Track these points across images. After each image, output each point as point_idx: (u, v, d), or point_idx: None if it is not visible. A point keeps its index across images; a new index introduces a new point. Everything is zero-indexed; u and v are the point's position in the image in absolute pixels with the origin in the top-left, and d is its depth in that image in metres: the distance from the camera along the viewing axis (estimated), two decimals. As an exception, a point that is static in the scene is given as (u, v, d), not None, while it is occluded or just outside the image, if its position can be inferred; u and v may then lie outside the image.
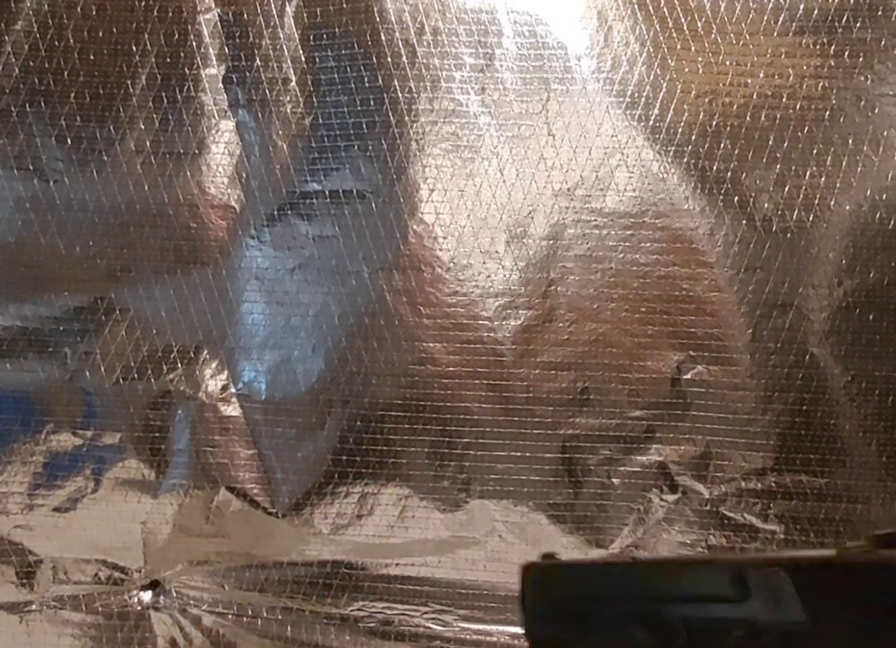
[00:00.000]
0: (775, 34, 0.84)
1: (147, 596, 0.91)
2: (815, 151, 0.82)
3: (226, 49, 0.90)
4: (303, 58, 0.89)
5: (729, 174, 0.83)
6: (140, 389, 0.89)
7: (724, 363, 0.83)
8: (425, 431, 0.86)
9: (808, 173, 0.82)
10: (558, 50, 0.86)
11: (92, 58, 0.90)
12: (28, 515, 0.90)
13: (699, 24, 0.84)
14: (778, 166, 0.83)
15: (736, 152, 0.83)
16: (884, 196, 0.82)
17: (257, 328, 0.89)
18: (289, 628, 0.89)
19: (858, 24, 0.83)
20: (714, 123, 0.83)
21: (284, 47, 0.89)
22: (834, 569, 0.28)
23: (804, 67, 0.83)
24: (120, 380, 0.89)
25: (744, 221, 0.83)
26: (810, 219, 0.82)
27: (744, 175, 0.83)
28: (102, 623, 0.90)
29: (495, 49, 0.87)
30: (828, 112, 0.83)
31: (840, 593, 0.27)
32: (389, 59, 0.87)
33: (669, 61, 0.84)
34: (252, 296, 0.88)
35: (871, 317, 0.82)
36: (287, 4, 0.89)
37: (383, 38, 0.87)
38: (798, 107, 0.83)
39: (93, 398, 0.90)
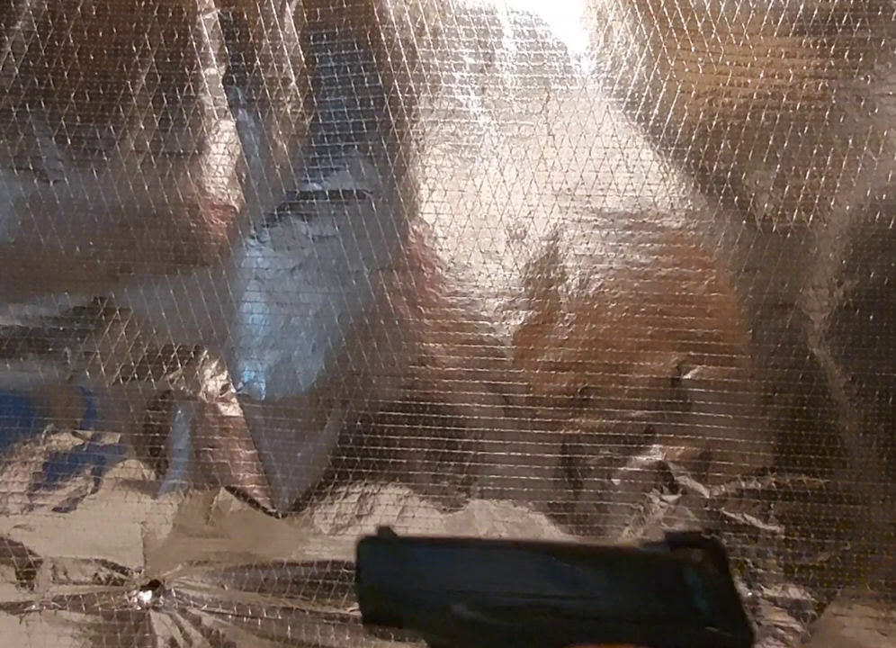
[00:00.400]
0: (775, 34, 0.84)
1: (147, 596, 0.91)
2: (815, 151, 0.82)
3: (226, 49, 0.90)
4: (303, 58, 0.89)
5: (729, 174, 0.83)
6: (140, 389, 0.89)
7: (724, 363, 0.83)
8: (425, 431, 0.86)
9: (808, 173, 0.82)
10: (558, 50, 0.86)
11: (92, 58, 0.90)
12: (28, 515, 0.90)
13: (699, 24, 0.84)
14: (778, 166, 0.83)
15: (736, 152, 0.83)
16: (884, 196, 0.82)
17: (257, 328, 0.89)
18: (289, 628, 0.89)
19: (858, 24, 0.83)
20: (714, 123, 0.83)
21: (284, 47, 0.89)
22: (621, 558, 0.32)
23: (804, 67, 0.83)
24: (121, 380, 0.89)
25: (744, 221, 0.83)
26: (810, 219, 0.82)
27: (744, 175, 0.83)
28: (102, 623, 0.90)
29: (495, 49, 0.87)
30: (828, 112, 0.83)
31: (627, 579, 0.31)
32: (389, 59, 0.87)
33: (669, 61, 0.84)
34: (252, 296, 0.89)
35: (871, 317, 0.82)
36: (287, 4, 0.89)
37: (383, 38, 0.87)
38: (798, 107, 0.83)
39: (93, 398, 0.90)
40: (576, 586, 0.32)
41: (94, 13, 0.90)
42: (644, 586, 0.32)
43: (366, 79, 0.87)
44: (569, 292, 0.85)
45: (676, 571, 0.31)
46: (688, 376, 0.83)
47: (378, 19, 0.87)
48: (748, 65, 0.84)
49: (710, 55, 0.84)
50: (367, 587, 0.40)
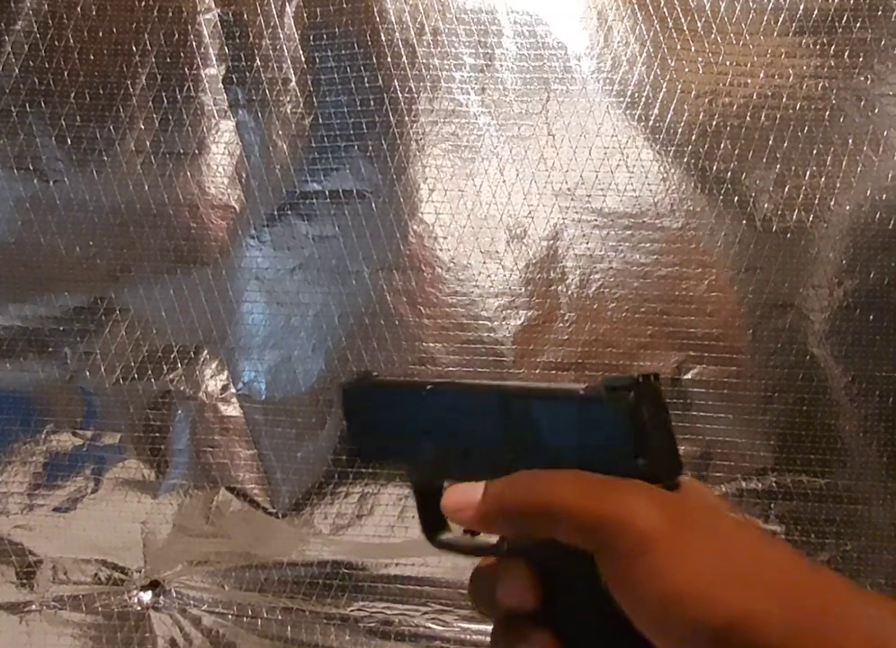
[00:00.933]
0: (775, 34, 0.84)
1: (147, 596, 0.91)
2: (815, 151, 0.82)
3: (226, 49, 0.90)
4: (303, 58, 0.89)
5: (729, 174, 0.83)
6: (140, 389, 0.89)
7: (724, 363, 0.83)
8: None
9: (808, 173, 0.82)
10: (558, 50, 0.86)
11: (92, 58, 0.90)
12: (28, 515, 0.90)
13: (699, 24, 0.84)
14: (778, 166, 0.83)
15: (736, 152, 0.83)
16: (884, 196, 0.82)
17: (257, 328, 0.89)
18: (289, 628, 0.89)
19: (858, 24, 0.83)
20: (714, 123, 0.83)
21: (284, 47, 0.89)
22: (565, 398, 0.36)
23: (804, 67, 0.83)
24: (121, 380, 0.89)
25: (744, 221, 0.83)
26: (810, 219, 0.82)
27: (744, 175, 0.83)
28: (102, 623, 0.90)
29: (495, 49, 0.87)
30: (828, 112, 0.83)
31: (568, 416, 0.35)
32: (389, 59, 0.87)
33: (669, 61, 0.84)
34: (252, 296, 0.89)
35: (871, 317, 0.82)
36: (287, 4, 0.89)
37: (383, 38, 0.87)
38: (798, 107, 0.83)
39: (93, 398, 0.90)
40: (525, 421, 0.37)
41: (94, 13, 0.90)
42: (582, 423, 0.35)
43: (366, 79, 0.87)
44: (569, 292, 0.85)
45: (611, 409, 0.34)
46: (688, 376, 0.83)
47: (378, 19, 0.87)
48: (748, 65, 0.84)
49: (710, 55, 0.84)
50: (353, 430, 0.45)
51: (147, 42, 0.90)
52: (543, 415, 0.37)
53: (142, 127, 0.89)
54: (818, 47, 0.83)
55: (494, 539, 0.38)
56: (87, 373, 0.89)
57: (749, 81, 0.83)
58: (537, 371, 0.85)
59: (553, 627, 0.35)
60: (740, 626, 0.29)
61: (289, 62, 0.89)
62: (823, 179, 0.82)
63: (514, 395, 0.38)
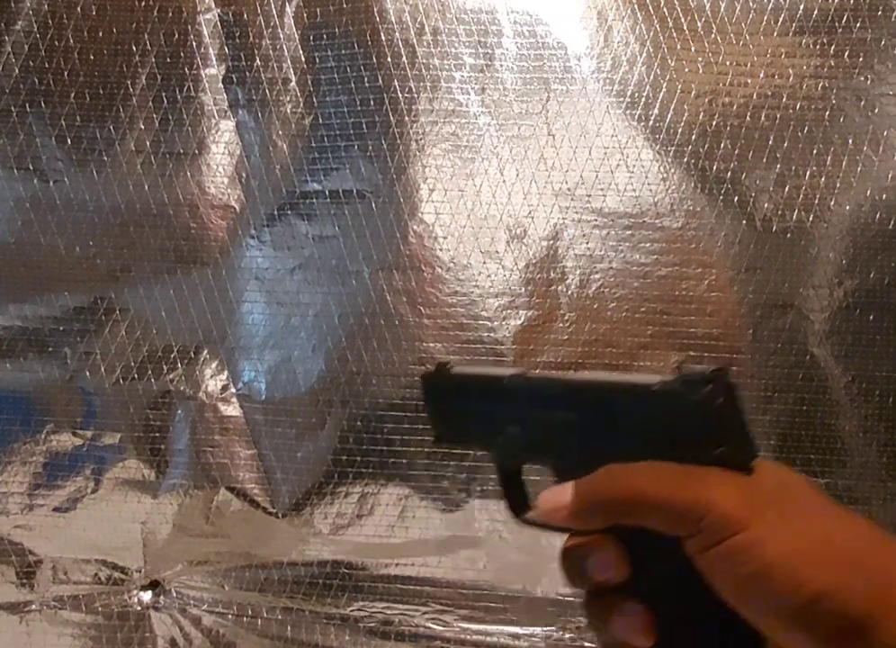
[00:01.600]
0: (775, 34, 0.84)
1: (147, 596, 0.91)
2: (815, 151, 0.82)
3: (226, 49, 0.90)
4: (303, 58, 0.89)
5: (729, 174, 0.83)
6: (140, 389, 0.89)
7: (724, 363, 0.83)
8: (424, 431, 0.85)
9: (808, 173, 0.82)
10: (558, 50, 0.86)
11: (92, 58, 0.90)
12: (28, 515, 0.90)
13: (699, 24, 0.84)
14: (778, 166, 0.83)
15: (736, 152, 0.83)
16: (884, 196, 0.82)
17: (257, 328, 0.89)
18: (289, 628, 0.89)
19: (858, 24, 0.83)
20: (714, 123, 0.83)
21: (284, 47, 0.89)
22: (643, 394, 0.37)
23: (804, 67, 0.83)
24: (121, 380, 0.89)
25: (744, 221, 0.83)
26: (810, 219, 0.82)
27: (744, 175, 0.83)
28: (102, 623, 0.90)
29: (495, 49, 0.87)
30: (828, 112, 0.83)
31: (644, 409, 0.37)
32: (389, 59, 0.87)
33: (669, 61, 0.84)
34: (252, 296, 0.88)
35: (871, 317, 0.82)
36: (287, 4, 0.89)
37: (383, 38, 0.87)
38: (798, 107, 0.83)
39: (93, 398, 0.90)
40: (602, 414, 0.38)
41: (94, 13, 0.90)
42: (660, 416, 0.36)
43: (366, 79, 0.87)
44: (569, 292, 0.85)
45: (689, 402, 0.35)
46: (688, 376, 0.83)
47: (378, 19, 0.87)
48: (748, 65, 0.84)
49: (710, 55, 0.84)
50: (432, 417, 0.47)
51: (147, 42, 0.90)
52: (620, 409, 0.38)
53: (142, 127, 0.89)
54: (818, 47, 0.83)
55: None
56: (87, 373, 0.89)
57: (749, 81, 0.83)
58: (537, 371, 0.85)
59: (642, 598, 0.37)
60: (824, 600, 0.31)
61: (289, 62, 0.89)
62: (823, 179, 0.82)
63: (591, 389, 0.40)
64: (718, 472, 0.35)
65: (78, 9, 0.90)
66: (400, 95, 0.87)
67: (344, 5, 0.88)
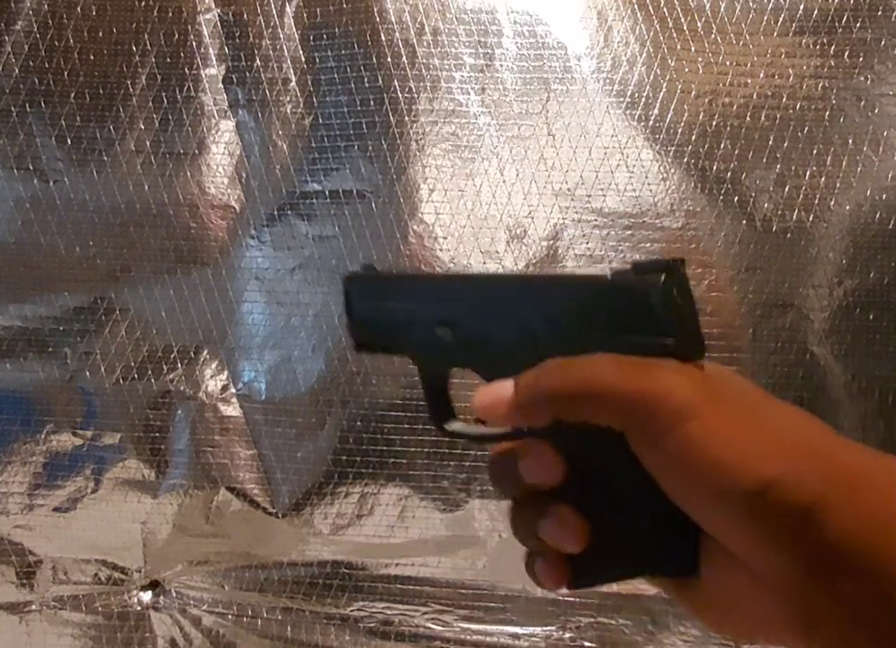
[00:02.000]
0: (775, 34, 0.84)
1: (147, 596, 0.91)
2: (815, 151, 0.82)
3: (226, 49, 0.90)
4: (303, 58, 0.89)
5: (729, 174, 0.83)
6: (140, 389, 0.89)
7: (724, 362, 0.83)
8: (425, 431, 0.86)
9: (808, 173, 0.82)
10: (558, 50, 0.86)
11: (92, 58, 0.90)
12: (28, 515, 0.90)
13: (699, 24, 0.84)
14: (778, 166, 0.83)
15: (736, 152, 0.83)
16: (884, 196, 0.82)
17: (257, 328, 0.89)
18: (289, 628, 0.89)
19: (858, 24, 0.83)
20: (714, 123, 0.83)
21: (284, 47, 0.89)
22: (589, 284, 0.36)
23: (804, 67, 0.83)
24: (121, 380, 0.89)
25: (744, 221, 0.83)
26: (810, 219, 0.82)
27: (744, 175, 0.83)
28: (102, 623, 0.90)
29: (495, 49, 0.87)
30: (828, 112, 0.83)
31: (593, 301, 0.35)
32: (389, 59, 0.87)
33: (669, 61, 0.84)
34: (252, 296, 0.88)
35: (871, 316, 0.82)
36: (287, 4, 0.89)
37: (383, 38, 0.87)
38: (798, 107, 0.83)
39: (93, 398, 0.90)
40: (549, 310, 0.36)
41: (94, 13, 0.90)
42: (609, 308, 0.35)
43: (366, 79, 0.87)
44: (569, 292, 0.85)
45: (639, 291, 0.34)
46: (688, 376, 0.83)
47: (378, 19, 0.87)
48: (748, 65, 0.84)
49: (710, 55, 0.84)
50: (356, 320, 0.45)
51: (147, 42, 0.90)
52: (569, 303, 0.36)
53: (142, 127, 0.89)
54: (818, 47, 0.83)
55: (504, 428, 0.38)
56: (87, 373, 0.89)
57: (749, 81, 0.84)
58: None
59: (573, 502, 0.36)
60: (773, 488, 0.30)
61: (289, 62, 0.89)
62: (823, 179, 0.82)
63: (537, 285, 0.38)
64: (672, 363, 0.34)
65: (78, 9, 0.90)
66: (400, 95, 0.87)
67: (344, 5, 0.88)
